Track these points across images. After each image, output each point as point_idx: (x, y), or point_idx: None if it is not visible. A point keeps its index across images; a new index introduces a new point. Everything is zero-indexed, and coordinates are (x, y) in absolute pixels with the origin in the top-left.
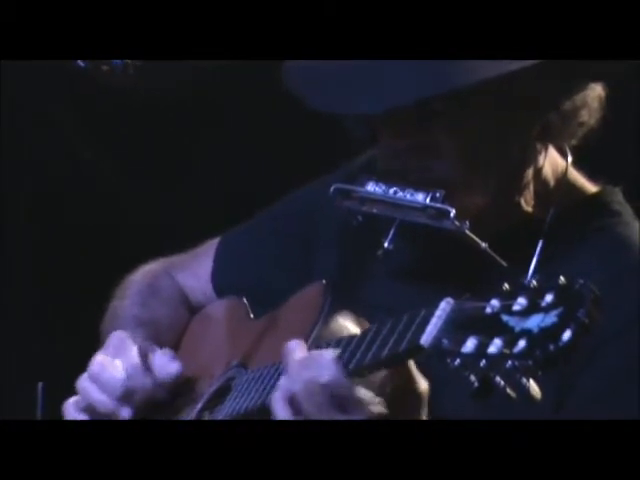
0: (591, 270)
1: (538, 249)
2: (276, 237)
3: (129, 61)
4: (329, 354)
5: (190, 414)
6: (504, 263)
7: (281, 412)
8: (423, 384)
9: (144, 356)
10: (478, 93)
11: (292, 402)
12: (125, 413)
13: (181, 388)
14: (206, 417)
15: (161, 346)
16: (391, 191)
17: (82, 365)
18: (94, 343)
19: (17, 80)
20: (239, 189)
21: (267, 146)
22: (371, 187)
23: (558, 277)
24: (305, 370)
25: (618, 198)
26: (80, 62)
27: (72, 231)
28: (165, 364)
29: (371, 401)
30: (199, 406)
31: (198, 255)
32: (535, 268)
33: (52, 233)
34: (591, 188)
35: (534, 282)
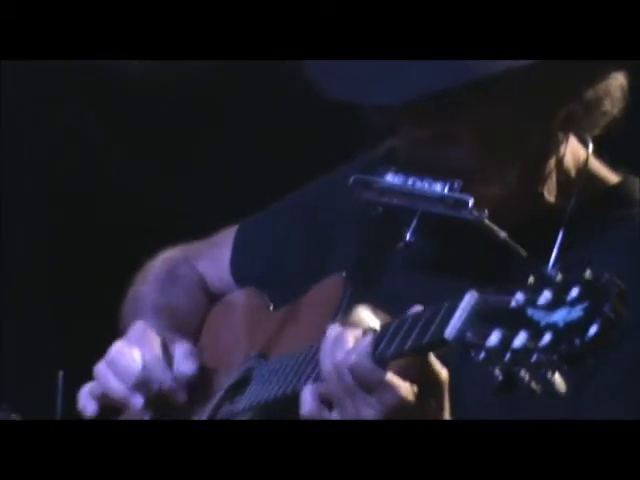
0: (613, 261)
1: (559, 239)
2: (295, 227)
3: None
4: (358, 338)
5: (210, 404)
6: (524, 253)
7: (309, 397)
8: (444, 373)
9: (166, 348)
10: (498, 82)
11: (323, 388)
12: (137, 402)
13: (200, 379)
14: (226, 407)
15: (181, 333)
16: (409, 181)
17: (102, 353)
18: (114, 330)
19: (17, 80)
20: (254, 178)
21: (283, 137)
22: (390, 178)
23: (583, 271)
24: (335, 352)
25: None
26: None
27: (88, 219)
28: (182, 362)
29: (397, 384)
30: (219, 395)
31: (217, 243)
32: (556, 258)
33: (68, 222)
34: (612, 178)
35: (559, 276)
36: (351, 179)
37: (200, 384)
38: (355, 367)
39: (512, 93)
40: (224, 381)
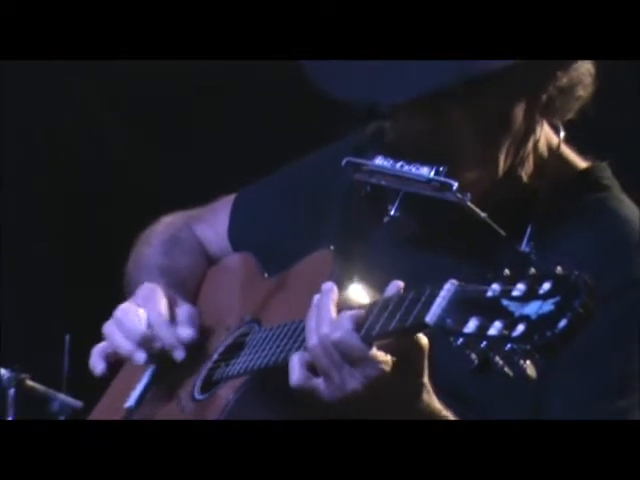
0: (582, 240)
1: (533, 219)
2: (288, 199)
3: None
4: (343, 314)
5: (206, 364)
6: (503, 232)
7: (297, 365)
8: (424, 348)
9: (170, 309)
10: (492, 77)
11: (310, 357)
12: (140, 357)
13: (199, 338)
14: (221, 368)
15: (181, 292)
16: (398, 165)
17: (106, 317)
18: (118, 295)
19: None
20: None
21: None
22: (380, 161)
23: (555, 267)
24: (320, 326)
25: (607, 174)
26: None
27: (91, 190)
28: (184, 326)
29: (382, 359)
30: (215, 356)
31: (215, 210)
32: (529, 237)
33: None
34: (582, 163)
35: (533, 270)
36: (344, 161)
37: (197, 343)
38: (340, 343)
39: (502, 83)
40: (219, 341)
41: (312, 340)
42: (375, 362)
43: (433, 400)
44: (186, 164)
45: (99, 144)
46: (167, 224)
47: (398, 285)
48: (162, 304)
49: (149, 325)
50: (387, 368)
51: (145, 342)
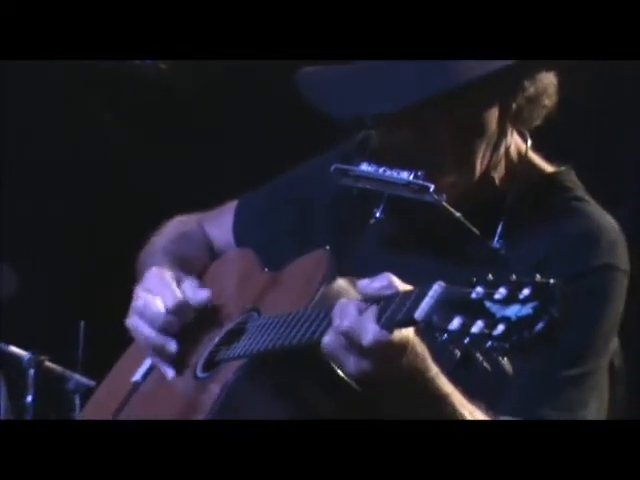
0: (547, 235)
1: (503, 218)
2: (285, 203)
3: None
4: (352, 305)
5: (208, 347)
6: (476, 230)
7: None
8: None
9: (180, 289)
10: (472, 87)
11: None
12: (171, 346)
13: (202, 321)
14: (223, 352)
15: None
16: (381, 170)
17: (118, 304)
18: (129, 284)
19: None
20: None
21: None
22: (364, 167)
23: (534, 275)
24: (335, 318)
25: (571, 177)
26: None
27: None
28: (196, 291)
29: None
30: (217, 340)
31: (223, 210)
32: (500, 234)
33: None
34: (549, 168)
35: (514, 276)
36: (332, 167)
37: (202, 326)
38: (348, 331)
39: (480, 93)
40: (221, 326)
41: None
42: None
43: (440, 378)
44: (191, 163)
45: (101, 143)
46: (180, 220)
47: (388, 277)
48: (174, 286)
49: (168, 311)
50: (392, 357)
51: (167, 326)
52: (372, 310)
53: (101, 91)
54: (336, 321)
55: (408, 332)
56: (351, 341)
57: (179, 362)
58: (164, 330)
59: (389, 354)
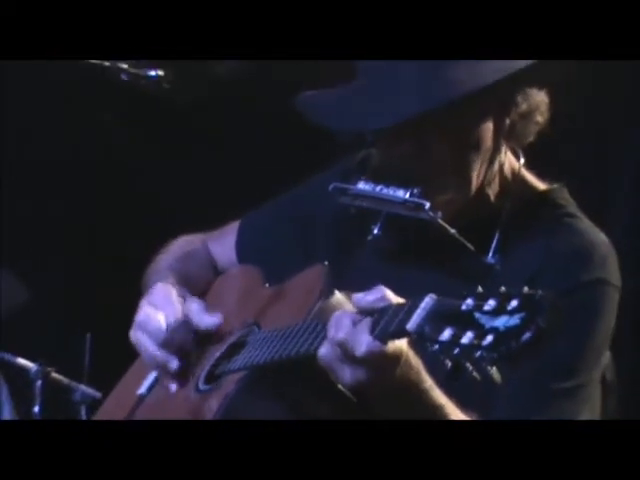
0: (540, 250)
1: (497, 235)
2: (286, 222)
3: (162, 74)
4: (347, 317)
5: (210, 361)
6: (471, 247)
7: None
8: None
9: (183, 306)
10: (467, 101)
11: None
12: (173, 364)
13: (204, 336)
14: (224, 364)
15: (189, 291)
16: (378, 188)
17: (123, 317)
18: (136, 298)
19: (17, 80)
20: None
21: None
22: (362, 185)
23: (523, 287)
24: (330, 329)
25: (564, 194)
26: (123, 76)
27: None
28: (204, 316)
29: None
30: (218, 354)
31: (226, 230)
32: (494, 250)
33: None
34: (542, 186)
35: (503, 288)
36: (331, 186)
37: (204, 342)
38: (343, 342)
39: (475, 109)
40: (223, 340)
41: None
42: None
43: (434, 390)
44: (193, 163)
45: (101, 143)
46: (185, 239)
47: (381, 290)
48: (178, 304)
49: (169, 328)
50: (384, 367)
51: (168, 343)
52: (366, 322)
53: (101, 91)
54: (331, 332)
55: (402, 344)
56: (345, 352)
57: (182, 375)
58: (164, 346)
59: (383, 365)
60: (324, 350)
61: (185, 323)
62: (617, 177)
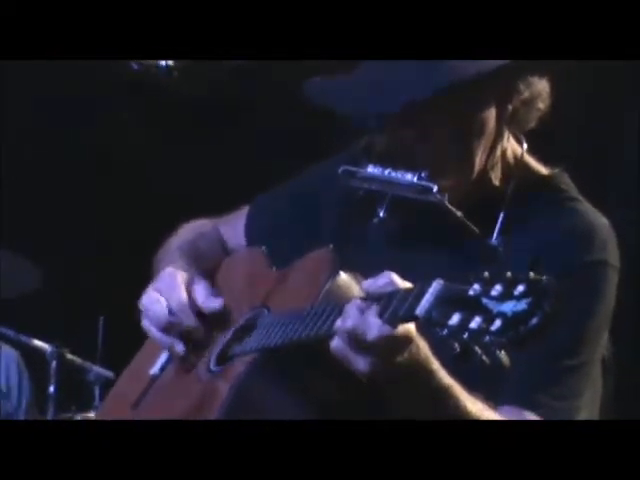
0: (542, 234)
1: (500, 218)
2: (294, 204)
3: (172, 63)
4: (353, 306)
5: (221, 341)
6: (476, 229)
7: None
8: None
9: (189, 290)
10: (470, 86)
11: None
12: (178, 347)
13: (213, 318)
14: (235, 346)
15: (198, 271)
16: (386, 172)
17: (135, 300)
18: (147, 280)
19: (17, 80)
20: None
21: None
22: (371, 169)
23: (528, 272)
24: (338, 320)
25: (565, 179)
26: (134, 65)
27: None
28: (209, 299)
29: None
30: (229, 335)
31: (236, 214)
32: (498, 232)
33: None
34: (544, 170)
35: (509, 274)
36: (340, 169)
37: (213, 323)
38: (352, 330)
39: (478, 94)
40: (233, 321)
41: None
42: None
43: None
44: (197, 161)
45: (100, 144)
46: (196, 223)
47: (389, 275)
48: (182, 289)
49: (171, 312)
50: (396, 352)
51: (169, 327)
52: (374, 308)
53: (102, 91)
54: (339, 323)
55: (410, 326)
56: (357, 340)
57: (192, 356)
58: (167, 330)
59: (395, 348)
60: (336, 342)
61: (191, 306)
62: (617, 163)
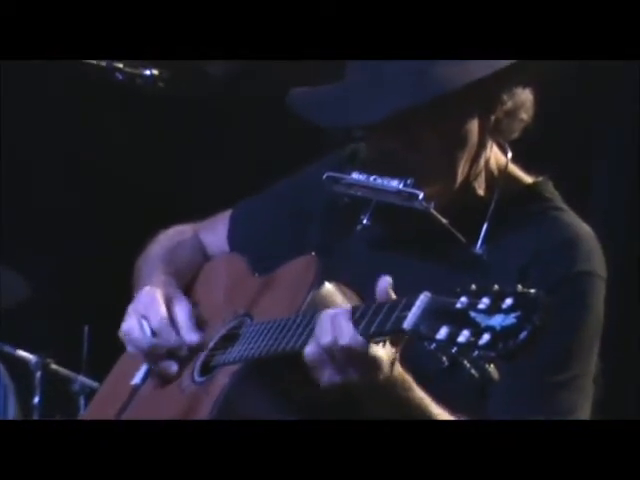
0: (527, 243)
1: (485, 226)
2: (277, 210)
3: (157, 73)
4: (346, 319)
5: (204, 352)
6: (461, 237)
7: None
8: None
9: (170, 309)
10: (455, 96)
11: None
12: (165, 366)
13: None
14: (219, 355)
15: (177, 281)
16: (372, 178)
17: (120, 310)
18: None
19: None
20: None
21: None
22: (356, 175)
23: (516, 285)
24: (329, 332)
25: (549, 188)
26: (118, 75)
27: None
28: (189, 333)
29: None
30: (211, 345)
31: (217, 219)
32: (482, 241)
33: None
34: (528, 179)
35: (496, 286)
36: (325, 175)
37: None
38: (347, 346)
39: (461, 105)
40: (215, 330)
41: (323, 341)
42: (378, 365)
43: (414, 390)
44: (192, 164)
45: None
46: (176, 229)
47: (387, 280)
48: (162, 308)
49: (153, 333)
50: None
51: (154, 349)
52: (356, 320)
53: (102, 92)
54: (318, 333)
55: (392, 350)
56: (331, 352)
57: (176, 366)
58: (151, 353)
59: (372, 364)
60: (309, 349)
61: (172, 324)
62: (601, 166)
